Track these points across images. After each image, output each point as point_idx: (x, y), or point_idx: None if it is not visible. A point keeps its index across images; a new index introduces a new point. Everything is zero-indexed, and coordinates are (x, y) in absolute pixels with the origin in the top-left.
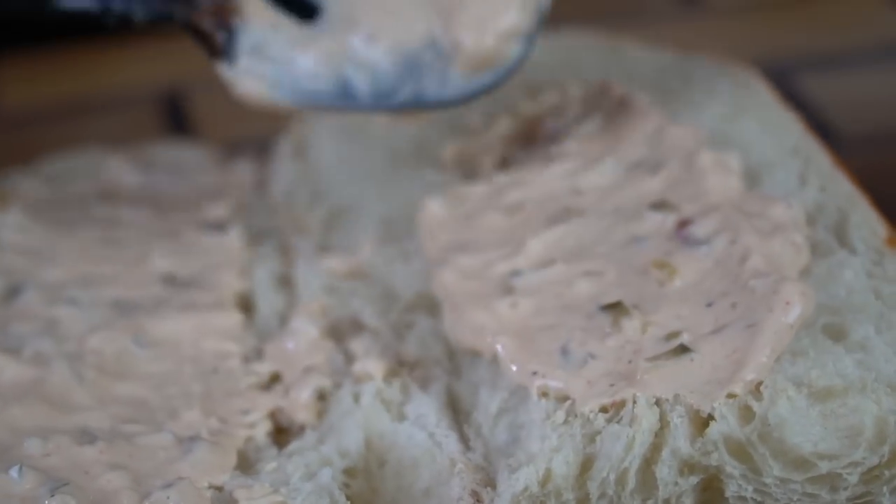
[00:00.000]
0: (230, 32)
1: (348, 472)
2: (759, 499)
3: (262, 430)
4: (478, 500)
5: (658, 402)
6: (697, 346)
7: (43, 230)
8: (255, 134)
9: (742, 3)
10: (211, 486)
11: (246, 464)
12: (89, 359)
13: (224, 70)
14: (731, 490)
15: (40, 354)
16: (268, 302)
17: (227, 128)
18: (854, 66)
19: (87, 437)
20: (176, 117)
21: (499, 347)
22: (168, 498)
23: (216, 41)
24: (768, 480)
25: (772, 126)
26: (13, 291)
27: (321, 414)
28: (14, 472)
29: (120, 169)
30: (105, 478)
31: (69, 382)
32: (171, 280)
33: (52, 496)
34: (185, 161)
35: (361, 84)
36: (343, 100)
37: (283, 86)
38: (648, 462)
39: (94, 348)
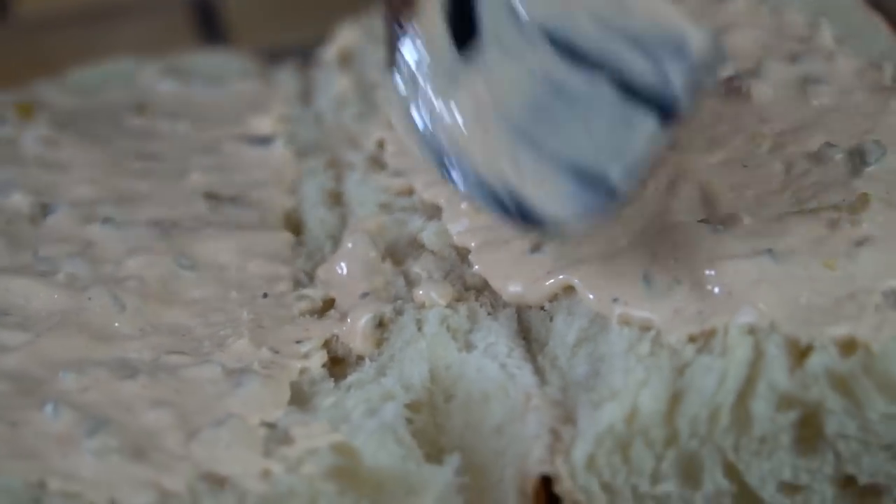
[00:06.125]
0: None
1: (412, 406)
2: (861, 436)
3: (316, 361)
4: (556, 439)
5: (752, 331)
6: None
7: (71, 143)
8: (295, 42)
9: None
10: (263, 424)
11: (300, 398)
12: (130, 284)
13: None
14: (831, 427)
15: (75, 279)
16: (318, 220)
17: (264, 34)
18: None
19: (127, 370)
20: (208, 23)
21: (576, 281)
22: (217, 437)
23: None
24: (872, 416)
25: (856, 30)
26: (42, 210)
27: (380, 343)
28: (49, 410)
29: (154, 78)
30: (148, 415)
31: (109, 310)
32: (213, 197)
33: (92, 436)
34: (224, 70)
35: None
36: None
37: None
38: (742, 396)
39: (135, 273)
